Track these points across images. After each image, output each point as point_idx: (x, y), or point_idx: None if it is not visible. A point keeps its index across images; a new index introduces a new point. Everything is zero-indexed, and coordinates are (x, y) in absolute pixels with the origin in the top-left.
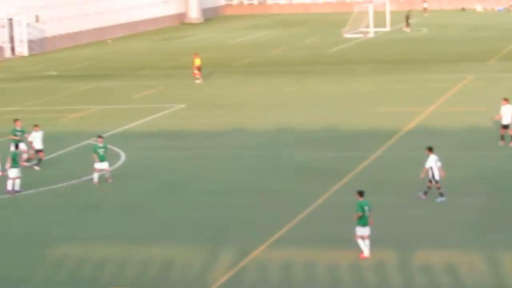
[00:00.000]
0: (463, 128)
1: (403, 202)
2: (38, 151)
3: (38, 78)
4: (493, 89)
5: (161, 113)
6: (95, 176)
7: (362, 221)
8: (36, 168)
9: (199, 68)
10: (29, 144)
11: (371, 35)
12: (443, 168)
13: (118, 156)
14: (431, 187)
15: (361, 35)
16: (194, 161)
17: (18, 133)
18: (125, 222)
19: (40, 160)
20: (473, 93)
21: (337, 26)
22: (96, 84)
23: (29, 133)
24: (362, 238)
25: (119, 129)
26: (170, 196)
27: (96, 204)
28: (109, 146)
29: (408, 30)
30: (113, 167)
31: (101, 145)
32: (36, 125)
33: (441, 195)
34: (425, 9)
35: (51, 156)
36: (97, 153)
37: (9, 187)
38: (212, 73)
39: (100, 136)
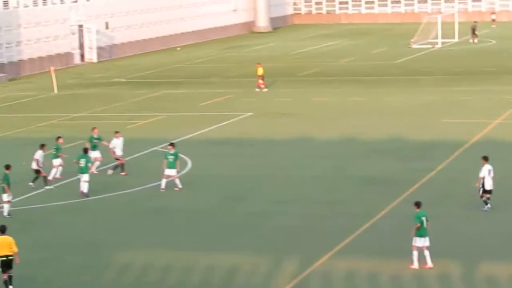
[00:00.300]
0: None
1: (468, 214)
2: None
3: (107, 85)
4: None
5: (228, 121)
6: (163, 182)
7: (420, 231)
8: (110, 172)
9: (262, 77)
10: (111, 151)
11: (439, 46)
12: (500, 179)
13: (184, 164)
14: (489, 197)
15: (429, 46)
16: (260, 170)
17: (96, 141)
18: (190, 229)
19: (117, 167)
20: None
21: (405, 36)
22: (164, 91)
23: (109, 140)
24: (422, 249)
25: (186, 137)
26: (235, 204)
27: (162, 211)
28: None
29: (475, 41)
30: (179, 174)
31: (172, 152)
32: (117, 132)
33: (486, 203)
34: (493, 20)
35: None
36: (167, 159)
37: (84, 189)
38: (275, 81)
39: (171, 144)
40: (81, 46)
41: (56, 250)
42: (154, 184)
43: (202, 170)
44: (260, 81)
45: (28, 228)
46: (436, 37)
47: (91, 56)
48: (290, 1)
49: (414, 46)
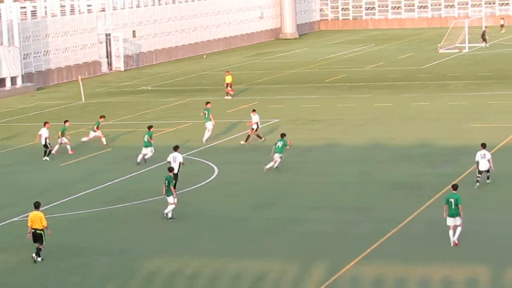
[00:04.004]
0: None
1: (503, 218)
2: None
3: (134, 93)
4: None
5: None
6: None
7: (449, 212)
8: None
9: (229, 85)
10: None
11: (466, 50)
12: None
13: (211, 171)
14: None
15: (456, 51)
16: (287, 176)
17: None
18: (218, 236)
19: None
20: None
21: (432, 41)
22: (191, 98)
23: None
24: (454, 227)
25: (214, 144)
26: (262, 211)
27: (191, 218)
28: (202, 160)
29: (485, 45)
30: (206, 181)
31: (281, 139)
32: (254, 110)
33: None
34: (502, 26)
35: (146, 169)
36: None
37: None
38: (302, 88)
39: (282, 135)
40: (109, 55)
41: (83, 257)
42: (183, 191)
43: (230, 177)
44: (229, 88)
45: (56, 234)
46: (464, 42)
47: (119, 64)
48: (317, 7)
49: (441, 51)
